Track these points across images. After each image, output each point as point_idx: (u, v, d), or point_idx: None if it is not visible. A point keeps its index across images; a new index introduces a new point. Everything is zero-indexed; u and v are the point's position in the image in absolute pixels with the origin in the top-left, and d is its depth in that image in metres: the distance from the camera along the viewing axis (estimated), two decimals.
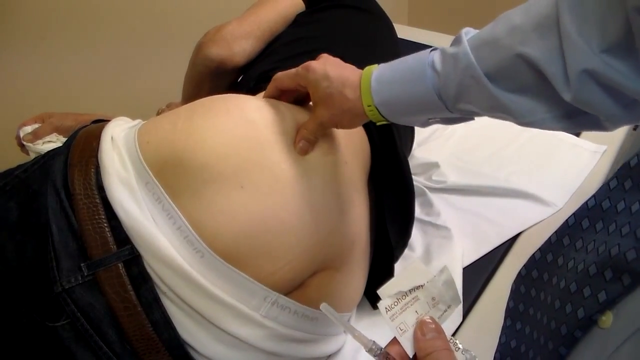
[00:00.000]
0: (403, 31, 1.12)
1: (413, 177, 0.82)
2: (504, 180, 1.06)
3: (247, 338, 0.57)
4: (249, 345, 0.58)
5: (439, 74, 0.52)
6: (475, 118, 0.57)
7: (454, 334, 0.80)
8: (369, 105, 0.57)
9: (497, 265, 0.92)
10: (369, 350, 0.44)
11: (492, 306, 0.85)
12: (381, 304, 0.44)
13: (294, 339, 0.61)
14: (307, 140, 0.62)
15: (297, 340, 0.61)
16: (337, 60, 0.63)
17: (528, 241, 0.96)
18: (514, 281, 0.60)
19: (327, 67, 0.60)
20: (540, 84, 0.47)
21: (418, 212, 1.00)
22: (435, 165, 1.10)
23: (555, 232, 0.56)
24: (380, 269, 0.77)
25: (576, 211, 0.54)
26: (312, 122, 0.62)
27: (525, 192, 1.02)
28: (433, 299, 0.46)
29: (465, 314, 0.83)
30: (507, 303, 0.60)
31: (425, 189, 1.05)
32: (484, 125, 1.03)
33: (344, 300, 0.68)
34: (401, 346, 0.43)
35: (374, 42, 0.98)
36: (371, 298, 0.80)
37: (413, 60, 0.55)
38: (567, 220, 0.55)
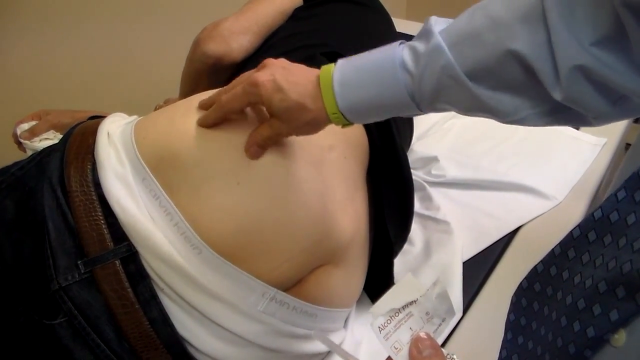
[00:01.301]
0: (401, 25, 1.11)
1: (412, 171, 0.81)
2: (504, 173, 1.06)
3: (246, 334, 0.57)
4: (248, 342, 0.58)
5: (412, 75, 0.49)
6: None
7: (454, 330, 0.80)
8: (334, 113, 0.53)
9: (497, 259, 0.92)
10: None
11: (493, 300, 0.85)
12: (374, 324, 0.42)
13: (292, 334, 0.60)
14: (260, 147, 0.58)
15: (295, 336, 0.61)
16: (283, 63, 0.56)
17: (528, 235, 0.96)
18: (515, 293, 0.58)
19: (277, 77, 0.54)
20: (527, 81, 0.45)
21: (417, 206, 0.99)
22: (434, 160, 1.10)
23: (559, 244, 0.53)
24: (380, 264, 0.76)
25: (581, 223, 0.51)
26: (267, 129, 0.57)
27: (524, 185, 1.02)
28: (427, 313, 0.44)
29: (466, 309, 0.83)
30: (508, 316, 0.58)
31: (424, 183, 1.05)
32: (482, 119, 1.02)
33: (343, 296, 0.68)
34: None
35: (372, 36, 0.98)
36: (371, 294, 0.80)
37: (380, 59, 0.51)
38: (571, 232, 0.52)
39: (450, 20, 0.50)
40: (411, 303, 0.44)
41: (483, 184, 1.04)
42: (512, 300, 0.59)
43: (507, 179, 1.04)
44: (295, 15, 1.01)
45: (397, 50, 0.50)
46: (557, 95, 0.44)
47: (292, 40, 0.94)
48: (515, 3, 0.45)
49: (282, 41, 0.95)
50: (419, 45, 0.49)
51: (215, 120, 0.60)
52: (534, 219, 0.98)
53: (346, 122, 0.54)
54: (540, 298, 0.54)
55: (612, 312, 0.43)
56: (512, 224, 0.96)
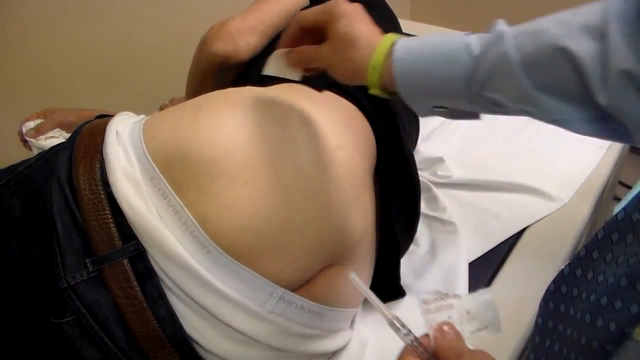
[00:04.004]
0: (406, 26, 1.11)
1: (418, 172, 0.81)
2: (509, 175, 1.06)
3: (253, 334, 0.57)
4: (255, 341, 0.58)
5: (472, 58, 0.51)
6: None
7: None
8: (374, 66, 0.55)
9: (502, 260, 0.91)
10: (391, 325, 0.44)
11: (498, 301, 0.85)
12: (419, 296, 0.44)
13: (300, 334, 0.60)
14: (299, 59, 0.62)
15: (303, 336, 0.61)
16: (368, 19, 0.60)
17: (533, 236, 0.96)
18: (542, 297, 0.59)
19: (353, 15, 0.57)
20: (574, 82, 0.46)
21: (423, 207, 0.99)
22: (440, 160, 1.10)
23: (585, 246, 0.55)
24: (386, 264, 0.76)
25: (605, 224, 0.53)
26: (313, 50, 0.60)
27: (530, 186, 1.02)
28: (468, 312, 0.45)
29: None
30: (536, 320, 0.59)
31: (430, 184, 1.05)
32: (488, 119, 1.02)
33: (350, 296, 0.68)
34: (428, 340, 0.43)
35: None
36: (377, 294, 0.80)
37: (447, 40, 0.53)
38: (596, 234, 0.54)
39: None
40: (455, 296, 0.45)
41: (488, 185, 1.04)
42: (540, 304, 0.60)
43: (512, 180, 1.03)
44: None
45: (467, 37, 0.52)
46: (602, 99, 0.44)
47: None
48: (580, 12, 0.47)
49: None
50: (486, 35, 0.51)
51: (289, 33, 0.62)
52: (539, 220, 0.97)
53: (375, 85, 0.56)
54: (566, 300, 0.55)
55: (632, 305, 0.44)
56: (518, 225, 0.96)
